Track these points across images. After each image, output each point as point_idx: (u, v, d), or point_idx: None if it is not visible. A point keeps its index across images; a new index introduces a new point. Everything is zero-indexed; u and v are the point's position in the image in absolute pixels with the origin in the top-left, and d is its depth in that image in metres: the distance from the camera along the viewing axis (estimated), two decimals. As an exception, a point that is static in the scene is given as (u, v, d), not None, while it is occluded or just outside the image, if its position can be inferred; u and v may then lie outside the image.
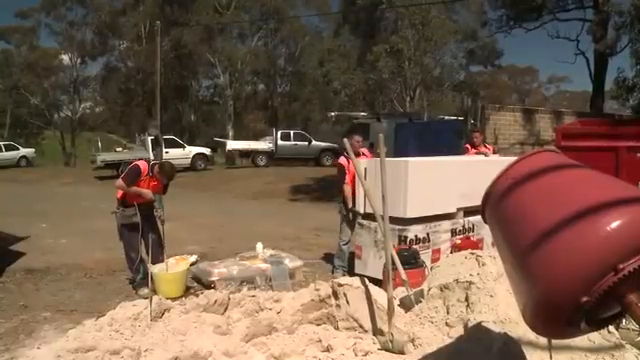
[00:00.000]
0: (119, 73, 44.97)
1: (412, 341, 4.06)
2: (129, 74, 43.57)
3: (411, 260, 5.49)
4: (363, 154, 7.19)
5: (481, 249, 6.25)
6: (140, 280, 6.50)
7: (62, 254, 8.79)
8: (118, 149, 29.44)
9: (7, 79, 46.37)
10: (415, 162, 6.67)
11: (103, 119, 49.80)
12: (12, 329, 5.48)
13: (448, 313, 4.18)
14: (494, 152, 9.15)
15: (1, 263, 7.89)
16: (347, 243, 7.25)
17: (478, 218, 6.80)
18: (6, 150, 34.37)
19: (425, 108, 33.91)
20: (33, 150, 38.22)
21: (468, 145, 8.99)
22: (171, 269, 6.37)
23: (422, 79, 36.79)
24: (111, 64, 46.26)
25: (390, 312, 4.19)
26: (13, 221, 11.09)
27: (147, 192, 6.40)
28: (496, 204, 1.89)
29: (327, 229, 9.40)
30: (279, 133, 30.12)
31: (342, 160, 7.14)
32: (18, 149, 35.92)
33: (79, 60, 46.10)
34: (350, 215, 7.06)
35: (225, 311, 4.55)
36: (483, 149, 8.79)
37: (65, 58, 46.57)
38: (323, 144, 29.93)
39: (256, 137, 37.14)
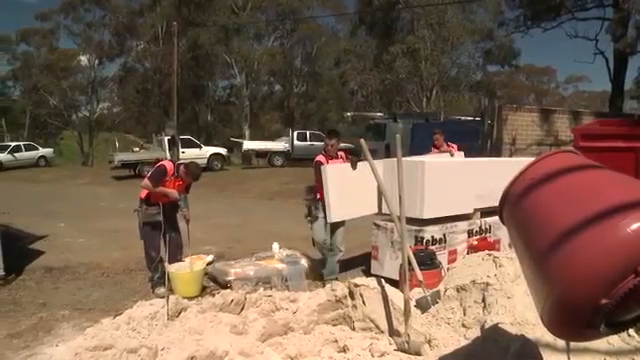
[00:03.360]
0: (136, 74, 45.25)
1: (428, 342, 4.05)
2: (146, 75, 43.84)
3: (427, 261, 5.47)
4: (341, 157, 6.87)
5: (498, 250, 6.22)
6: (157, 279, 6.53)
7: (80, 253, 8.87)
8: (135, 149, 29.66)
9: (27, 80, 46.98)
10: (432, 163, 6.64)
11: (120, 119, 50.15)
12: (31, 326, 5.54)
13: (465, 314, 4.16)
14: (459, 149, 8.83)
15: (21, 261, 7.98)
16: (332, 249, 6.88)
17: (495, 219, 6.77)
18: (26, 150, 34.73)
19: (442, 108, 33.73)
20: (52, 150, 38.60)
21: (432, 147, 8.93)
22: (187, 269, 6.40)
23: (439, 79, 36.71)
24: (128, 65, 46.56)
25: (407, 313, 4.19)
26: (32, 220, 11.20)
27: (173, 192, 6.45)
28: (514, 205, 1.88)
29: (348, 230, 9.39)
30: (295, 133, 30.14)
31: (320, 158, 6.78)
32: (37, 149, 36.28)
33: (97, 61, 46.54)
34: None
35: (241, 311, 4.57)
36: (446, 148, 8.69)
37: (83, 59, 47.06)
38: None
39: (272, 137, 37.23)
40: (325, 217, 6.47)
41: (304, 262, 6.91)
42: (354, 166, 6.39)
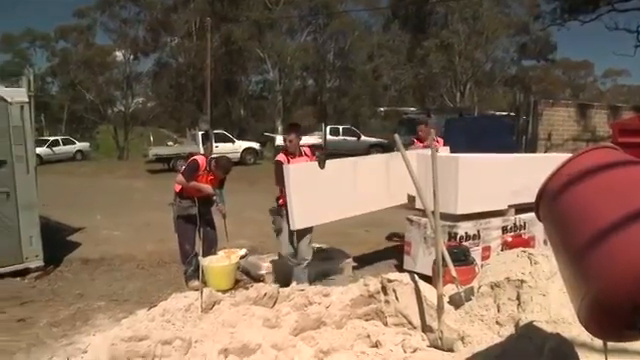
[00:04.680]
0: (170, 69, 45.67)
1: (462, 339, 4.03)
2: (180, 70, 44.21)
3: (461, 257, 5.42)
4: (305, 154, 6.27)
5: (533, 247, 6.15)
6: (191, 272, 6.62)
7: (116, 245, 9.03)
8: (169, 143, 30.01)
9: (65, 76, 47.91)
10: (466, 158, 6.58)
11: (155, 114, 50.66)
12: (69, 316, 5.68)
13: (499, 311, 4.12)
14: (444, 145, 8.16)
15: (59, 253, 8.16)
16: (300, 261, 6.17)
17: (530, 215, 6.69)
18: (63, 144, 35.43)
19: (475, 103, 33.37)
20: (88, 144, 39.30)
21: (415, 139, 8.34)
22: (221, 262, 6.46)
23: (473, 74, 36.34)
24: (163, 60, 47.01)
25: (440, 309, 4.17)
26: (70, 213, 11.44)
27: (206, 187, 6.53)
28: (551, 201, 1.86)
29: (376, 225, 9.39)
30: (328, 128, 30.11)
31: (281, 157, 6.15)
32: (74, 143, 36.99)
33: (132, 56, 47.04)
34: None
35: (274, 304, 4.59)
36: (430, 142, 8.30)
37: (119, 55, 47.63)
38: (372, 139, 29.78)
39: (305, 132, 37.25)
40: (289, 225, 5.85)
41: (336, 256, 6.93)
42: (322, 165, 5.93)
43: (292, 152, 6.13)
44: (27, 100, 7.23)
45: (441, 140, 7.91)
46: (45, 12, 74.19)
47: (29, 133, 7.26)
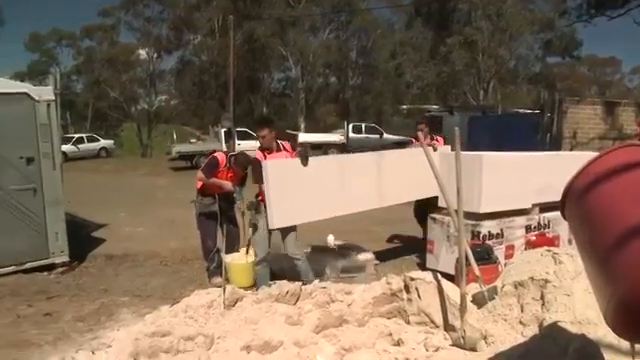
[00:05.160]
0: (193, 67, 45.98)
1: (484, 338, 4.00)
2: (203, 67, 44.47)
3: (484, 256, 5.38)
4: (285, 150, 6.09)
5: (557, 246, 6.08)
6: (214, 269, 6.66)
7: (139, 242, 9.12)
8: (192, 141, 30.20)
9: (90, 74, 48.57)
10: (489, 156, 6.54)
11: (178, 111, 51.13)
12: (94, 311, 5.76)
13: (522, 311, 4.08)
14: (444, 143, 7.80)
15: (84, 249, 8.28)
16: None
17: (554, 214, 6.63)
18: (88, 142, 35.89)
19: (499, 101, 33.10)
20: (112, 142, 39.73)
21: (413, 139, 8.19)
22: (243, 259, 6.49)
23: (496, 71, 36.03)
24: (186, 58, 47.39)
25: (463, 308, 4.14)
26: (94, 209, 11.58)
27: (226, 183, 6.56)
28: (577, 200, 1.83)
29: (399, 222, 9.35)
30: (351, 126, 30.10)
31: (258, 154, 6.00)
32: (98, 140, 37.44)
33: (155, 54, 47.55)
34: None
35: (296, 302, 4.60)
36: (429, 141, 7.55)
37: (142, 53, 48.17)
38: (395, 137, 29.71)
39: (327, 130, 37.26)
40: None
41: (359, 255, 6.92)
42: (304, 161, 5.75)
43: (267, 148, 5.95)
44: (53, 98, 7.34)
45: (441, 139, 7.78)
46: (71, 12, 75.12)
47: (55, 130, 7.38)
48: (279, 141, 6.11)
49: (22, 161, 7.12)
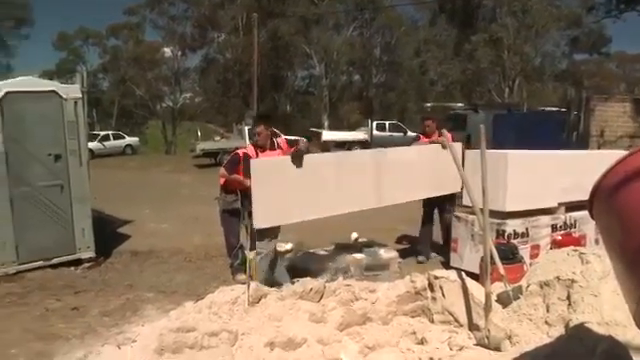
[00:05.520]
0: (217, 64, 46.23)
1: (509, 338, 3.97)
2: (227, 65, 44.68)
3: (509, 255, 5.33)
4: (279, 148, 5.94)
5: (584, 246, 6.00)
6: (237, 266, 6.69)
7: (164, 238, 9.20)
8: (216, 138, 30.34)
9: (116, 72, 49.14)
10: (515, 154, 6.48)
11: (202, 109, 51.43)
12: (120, 306, 5.83)
13: (548, 311, 4.04)
14: (453, 140, 7.63)
15: (110, 245, 8.38)
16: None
17: (581, 214, 6.55)
18: (114, 139, 36.29)
19: (524, 99, 32.76)
20: (137, 139, 40.10)
21: (420, 134, 7.82)
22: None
23: (522, 69, 35.66)
24: (210, 56, 47.68)
25: (487, 307, 4.12)
26: (120, 206, 11.70)
27: (248, 180, 6.57)
28: (606, 200, 1.81)
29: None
30: (374, 124, 30.01)
31: (249, 150, 5.93)
32: (124, 138, 37.83)
33: (180, 53, 47.93)
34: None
35: (320, 299, 4.60)
36: (436, 137, 7.29)
37: (167, 51, 48.57)
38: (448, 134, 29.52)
39: (351, 128, 37.22)
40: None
41: (382, 253, 6.90)
42: (297, 161, 5.40)
43: (262, 145, 5.81)
44: (80, 96, 7.44)
45: (449, 135, 7.50)
46: (97, 11, 76.14)
47: (82, 128, 7.48)
48: (276, 139, 6.00)
49: (50, 158, 7.23)
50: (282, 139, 6.01)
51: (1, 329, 5.26)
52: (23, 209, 7.02)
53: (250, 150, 5.86)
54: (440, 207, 7.49)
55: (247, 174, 5.43)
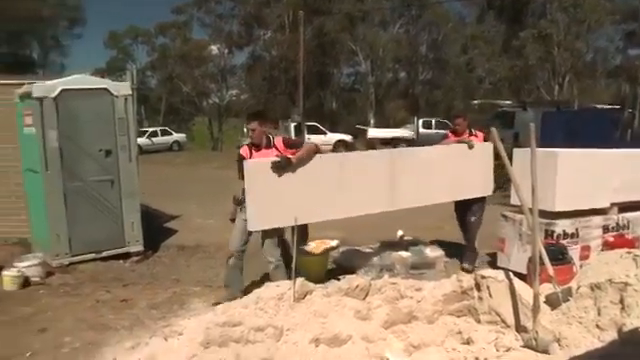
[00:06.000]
0: (263, 62, 46.48)
1: (558, 341, 3.90)
2: (273, 63, 44.89)
3: (558, 256, 5.22)
4: (275, 147, 5.56)
5: (637, 248, 5.84)
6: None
7: (210, 233, 9.29)
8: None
9: (164, 70, 50.03)
10: (565, 153, 6.32)
11: (248, 106, 51.77)
12: (167, 299, 5.96)
13: (599, 314, 3.95)
14: (485, 139, 6.90)
15: (157, 239, 8.55)
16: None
17: (635, 215, 6.40)
18: (161, 135, 36.86)
19: (575, 96, 31.99)
20: (184, 135, 40.67)
21: (449, 132, 7.40)
22: (313, 253, 6.53)
23: (572, 65, 34.77)
24: (256, 53, 47.94)
25: (535, 309, 4.05)
26: (167, 201, 11.91)
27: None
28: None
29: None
30: (420, 121, 29.80)
31: (243, 150, 5.67)
32: (171, 134, 38.38)
33: (226, 50, 48.44)
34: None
35: (366, 297, 4.60)
36: (467, 137, 6.89)
37: (214, 49, 49.11)
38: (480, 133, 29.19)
39: (397, 125, 37.04)
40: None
41: (428, 251, 6.85)
42: (277, 170, 5.24)
43: (257, 144, 5.55)
44: (130, 93, 7.61)
45: (480, 134, 7.04)
46: (146, 10, 77.71)
47: (132, 124, 7.66)
48: (275, 137, 5.69)
49: (101, 154, 7.41)
50: (278, 138, 5.66)
51: (56, 318, 5.46)
52: (76, 203, 7.22)
53: (244, 150, 5.63)
54: (467, 209, 6.95)
55: (241, 175, 5.30)
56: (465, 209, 6.96)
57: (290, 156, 5.31)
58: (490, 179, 6.79)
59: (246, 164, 5.29)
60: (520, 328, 4.19)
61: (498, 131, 5.55)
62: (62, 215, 7.13)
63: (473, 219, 6.91)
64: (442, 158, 6.52)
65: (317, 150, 5.62)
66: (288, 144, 5.58)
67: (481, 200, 6.86)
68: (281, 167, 5.23)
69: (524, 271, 5.24)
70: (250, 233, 5.55)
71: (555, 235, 6.01)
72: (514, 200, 5.99)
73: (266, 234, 5.55)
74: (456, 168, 6.41)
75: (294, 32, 36.04)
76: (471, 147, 6.60)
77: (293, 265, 4.72)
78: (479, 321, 4.41)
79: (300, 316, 4.26)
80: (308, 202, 5.41)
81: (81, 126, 7.25)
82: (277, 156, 5.32)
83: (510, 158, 5.27)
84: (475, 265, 6.90)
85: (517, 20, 37.10)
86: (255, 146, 5.55)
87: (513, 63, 35.71)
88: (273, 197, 5.25)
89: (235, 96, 53.09)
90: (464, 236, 7.19)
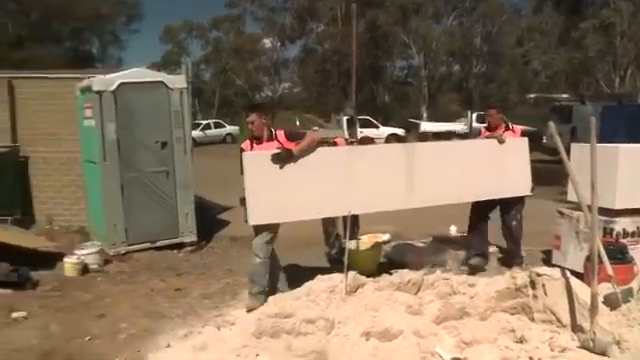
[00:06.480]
0: (316, 55, 46.62)
1: (617, 343, 3.76)
2: (325, 56, 44.96)
3: (618, 255, 5.04)
4: (277, 140, 5.32)
5: (701, 248, 5.62)
6: (335, 255, 6.73)
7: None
8: (315, 128, 30.62)
9: (217, 63, 50.86)
10: (627, 149, 6.09)
11: (300, 99, 52.15)
12: (219, 290, 6.06)
13: (663, 318, 3.81)
14: (522, 134, 6.49)
15: (210, 230, 8.69)
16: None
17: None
18: (215, 127, 37.43)
19: (638, 89, 30.85)
20: (237, 128, 41.12)
21: (483, 128, 6.93)
22: (364, 246, 6.52)
23: (636, 56, 33.52)
24: (308, 46, 48.19)
25: (593, 309, 3.93)
26: (220, 192, 12.01)
27: None
28: None
29: (528, 216, 9.00)
30: (474, 115, 29.35)
31: (245, 144, 5.50)
32: (224, 127, 38.90)
33: (279, 43, 48.90)
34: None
35: (418, 291, 4.57)
36: (502, 131, 6.39)
37: (267, 42, 49.70)
38: (520, 127, 28.55)
39: (450, 119, 36.58)
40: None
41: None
42: (285, 154, 5.05)
43: (257, 136, 5.33)
44: (186, 86, 7.76)
45: (518, 129, 6.60)
46: (200, 4, 78.93)
47: (187, 117, 7.82)
48: (276, 130, 5.46)
49: (157, 145, 7.59)
50: (280, 131, 5.42)
51: (113, 304, 5.64)
52: (132, 193, 7.43)
53: (245, 143, 5.46)
54: (504, 213, 6.43)
55: (241, 168, 5.14)
56: (501, 211, 6.43)
57: (291, 148, 5.12)
58: (526, 177, 6.26)
59: (244, 156, 5.12)
60: (576, 328, 4.07)
61: (555, 126, 5.37)
62: (119, 205, 7.34)
63: (514, 223, 6.36)
64: (468, 153, 6.15)
65: (320, 141, 5.43)
66: (290, 136, 5.35)
67: (519, 201, 6.34)
68: (281, 159, 5.04)
69: (581, 270, 5.11)
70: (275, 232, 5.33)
71: (614, 233, 5.82)
72: (571, 196, 5.83)
73: (259, 230, 5.24)
74: (485, 165, 5.98)
75: (347, 25, 36.00)
76: (501, 142, 6.16)
77: (345, 259, 4.72)
78: (533, 319, 4.31)
79: (351, 309, 4.27)
80: (312, 197, 5.18)
81: (138, 118, 7.43)
82: (278, 148, 5.13)
83: (567, 154, 5.13)
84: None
85: (576, 10, 35.97)
86: (256, 139, 5.35)
87: (571, 55, 34.67)
88: (273, 191, 5.03)
89: (287, 89, 53.54)
90: (507, 242, 6.66)
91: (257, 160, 5.12)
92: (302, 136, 5.34)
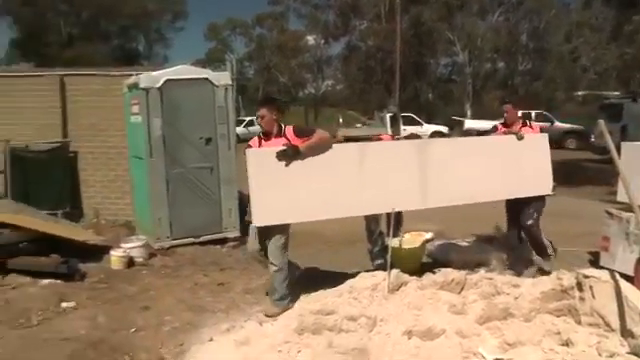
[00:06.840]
0: (359, 52, 46.54)
1: (669, 349, 3.66)
2: (369, 53, 44.86)
3: (670, 258, 4.92)
4: (285, 137, 5.05)
5: None
6: (377, 252, 6.70)
7: (304, 222, 9.39)
8: (358, 125, 30.61)
9: (261, 60, 51.33)
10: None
11: (343, 96, 52.21)
12: (261, 285, 6.07)
13: None
14: (541, 131, 6.23)
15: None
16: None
17: None
18: (257, 124, 37.70)
19: (692, 86, 29.84)
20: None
21: (499, 124, 6.59)
22: (407, 244, 6.48)
23: (697, 51, 32.39)
24: (352, 43, 48.08)
25: (645, 313, 3.83)
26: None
27: None
28: None
29: (569, 216, 8.82)
30: (520, 113, 28.84)
31: (252, 141, 5.26)
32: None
33: (323, 40, 49.01)
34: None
35: (461, 291, 4.53)
36: (519, 128, 6.08)
37: (310, 39, 49.87)
38: (567, 126, 27.96)
39: (495, 117, 36.04)
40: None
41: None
42: (284, 158, 4.80)
43: (267, 132, 5.10)
44: (230, 83, 7.85)
45: (537, 126, 6.34)
46: (244, 2, 79.72)
47: (231, 113, 7.91)
48: (285, 126, 5.18)
49: (201, 141, 7.68)
50: (289, 128, 5.13)
51: (158, 297, 5.75)
52: (177, 189, 7.53)
53: (253, 140, 5.24)
54: (520, 212, 6.08)
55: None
56: (518, 211, 6.09)
57: (299, 145, 4.88)
58: (547, 176, 5.95)
59: (248, 153, 4.89)
60: (626, 333, 3.96)
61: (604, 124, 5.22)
62: (164, 200, 7.46)
63: (530, 222, 5.98)
64: (485, 151, 5.88)
65: (334, 139, 5.24)
66: (299, 132, 5.07)
67: (537, 201, 5.97)
68: (288, 156, 4.78)
69: (630, 272, 4.99)
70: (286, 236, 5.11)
71: (666, 235, 5.65)
72: (621, 197, 5.68)
73: (272, 233, 5.01)
74: (501, 163, 5.73)
75: (391, 22, 35.84)
76: (520, 138, 5.85)
77: (388, 257, 4.70)
78: (580, 322, 4.22)
79: (394, 307, 4.26)
80: (321, 196, 4.96)
81: (183, 115, 7.54)
82: (284, 145, 4.88)
83: (617, 152, 4.99)
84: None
85: (629, 4, 34.99)
86: (265, 135, 5.14)
87: (623, 51, 33.75)
88: (280, 190, 4.80)
89: (331, 86, 53.65)
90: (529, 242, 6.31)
91: (262, 157, 4.90)
92: (312, 132, 5.10)
